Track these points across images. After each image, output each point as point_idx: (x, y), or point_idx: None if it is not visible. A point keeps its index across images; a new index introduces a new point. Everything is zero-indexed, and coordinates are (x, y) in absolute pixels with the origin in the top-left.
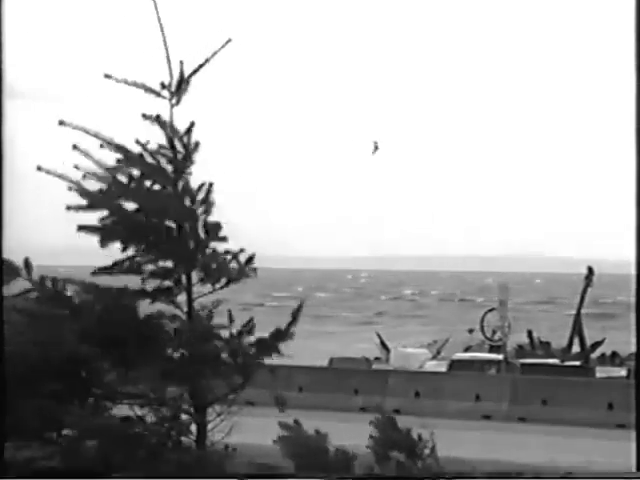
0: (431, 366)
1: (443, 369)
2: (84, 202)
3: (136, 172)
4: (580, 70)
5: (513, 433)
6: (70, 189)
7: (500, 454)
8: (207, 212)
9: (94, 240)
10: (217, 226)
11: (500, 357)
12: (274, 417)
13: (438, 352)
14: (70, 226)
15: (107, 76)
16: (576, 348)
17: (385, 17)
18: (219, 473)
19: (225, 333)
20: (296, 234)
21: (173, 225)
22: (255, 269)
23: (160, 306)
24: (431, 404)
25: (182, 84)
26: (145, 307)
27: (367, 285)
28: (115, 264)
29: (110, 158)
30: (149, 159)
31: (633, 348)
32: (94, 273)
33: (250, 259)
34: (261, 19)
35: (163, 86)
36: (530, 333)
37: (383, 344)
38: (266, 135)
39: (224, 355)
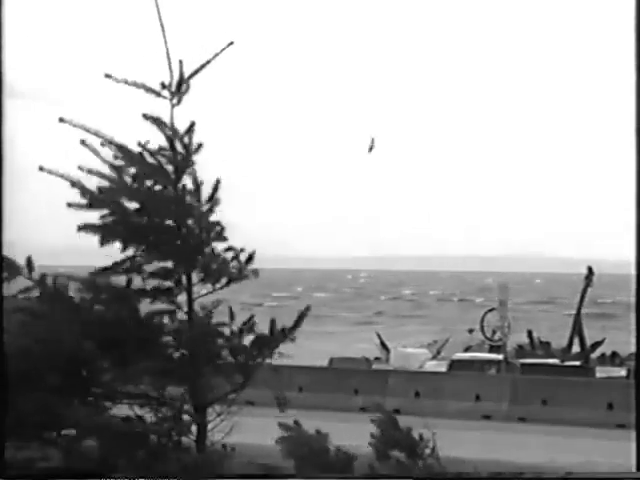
0: (431, 366)
1: (443, 369)
2: (85, 201)
3: (137, 172)
4: (580, 70)
5: (513, 433)
6: (73, 185)
7: (500, 454)
8: (212, 210)
9: (94, 240)
10: (218, 225)
11: (500, 357)
12: (274, 417)
13: (438, 352)
14: (70, 226)
15: (107, 76)
16: (576, 348)
17: (384, 16)
18: (219, 473)
19: (226, 331)
20: (296, 234)
21: (173, 225)
22: (257, 271)
23: (160, 306)
24: (431, 404)
25: (182, 84)
26: (145, 307)
27: (367, 285)
28: (115, 264)
29: (110, 157)
30: (149, 159)
31: (633, 348)
32: (94, 274)
33: (250, 258)
34: (260, 19)
35: (164, 86)
36: (530, 333)
37: (383, 344)
38: (266, 135)
39: (225, 353)
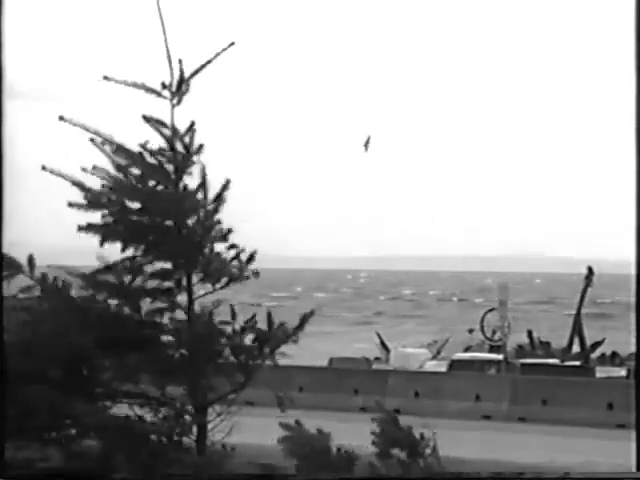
0: (431, 366)
1: (443, 369)
2: (85, 201)
3: (137, 171)
4: (580, 70)
5: (513, 433)
6: (74, 184)
7: (500, 454)
8: (216, 210)
9: (94, 240)
10: (219, 224)
11: (500, 357)
12: (274, 417)
13: (438, 352)
14: (70, 226)
15: (106, 78)
16: (576, 348)
17: (384, 16)
18: (219, 473)
19: (228, 330)
20: (296, 234)
21: (174, 225)
22: (257, 272)
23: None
24: (431, 404)
25: (183, 84)
26: (145, 307)
27: (367, 285)
28: (115, 264)
29: (114, 157)
30: (150, 159)
31: (632, 348)
32: (93, 274)
33: (251, 257)
34: (259, 20)
35: (164, 86)
36: (530, 333)
37: (383, 344)
38: (266, 135)
39: (226, 353)
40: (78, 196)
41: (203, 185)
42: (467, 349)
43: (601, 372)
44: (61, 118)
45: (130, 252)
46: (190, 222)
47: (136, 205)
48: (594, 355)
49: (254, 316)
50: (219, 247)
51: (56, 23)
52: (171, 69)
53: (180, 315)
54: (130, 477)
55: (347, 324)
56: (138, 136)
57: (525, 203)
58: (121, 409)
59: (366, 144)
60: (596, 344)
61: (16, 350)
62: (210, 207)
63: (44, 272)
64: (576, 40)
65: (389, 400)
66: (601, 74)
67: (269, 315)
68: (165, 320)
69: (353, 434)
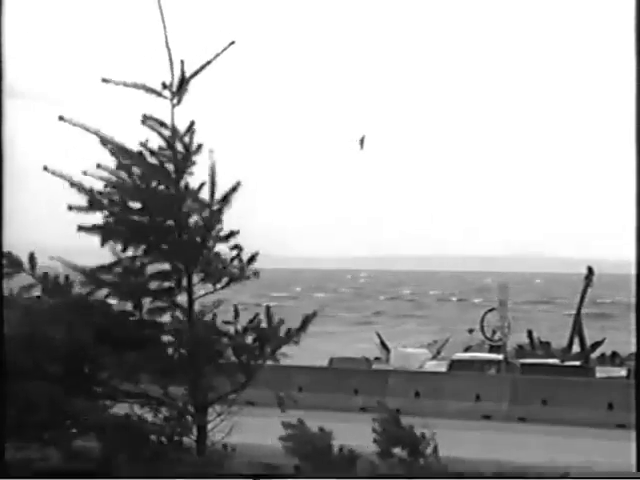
0: (431, 366)
1: (443, 369)
2: (85, 203)
3: (138, 171)
4: (580, 70)
5: (513, 433)
6: (72, 185)
7: (500, 454)
8: (221, 211)
9: (94, 240)
10: (219, 224)
11: (500, 357)
12: (274, 417)
13: (438, 352)
14: (70, 226)
15: (104, 80)
16: (576, 348)
17: (384, 16)
18: (219, 473)
19: (230, 329)
20: (296, 234)
21: (174, 225)
22: (257, 272)
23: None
24: (431, 404)
25: (183, 84)
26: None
27: (366, 285)
28: (114, 263)
29: (110, 158)
30: (150, 158)
31: (632, 348)
32: (95, 270)
33: (252, 258)
34: (258, 20)
35: (164, 86)
36: (530, 333)
37: (383, 344)
38: (266, 135)
39: (228, 353)
40: (78, 196)
41: (212, 185)
42: (467, 349)
43: (601, 372)
44: (61, 118)
45: (130, 252)
46: (192, 222)
47: (137, 205)
48: (594, 355)
49: (257, 316)
50: (220, 247)
51: (56, 23)
52: (172, 70)
53: (180, 315)
54: (130, 476)
55: (347, 324)
56: (138, 136)
57: (525, 203)
58: (121, 409)
59: (361, 141)
60: (596, 344)
61: (17, 347)
62: (215, 208)
63: (45, 271)
64: (576, 40)
65: (389, 400)
66: (601, 75)
67: (268, 309)
68: (165, 319)
69: (353, 434)
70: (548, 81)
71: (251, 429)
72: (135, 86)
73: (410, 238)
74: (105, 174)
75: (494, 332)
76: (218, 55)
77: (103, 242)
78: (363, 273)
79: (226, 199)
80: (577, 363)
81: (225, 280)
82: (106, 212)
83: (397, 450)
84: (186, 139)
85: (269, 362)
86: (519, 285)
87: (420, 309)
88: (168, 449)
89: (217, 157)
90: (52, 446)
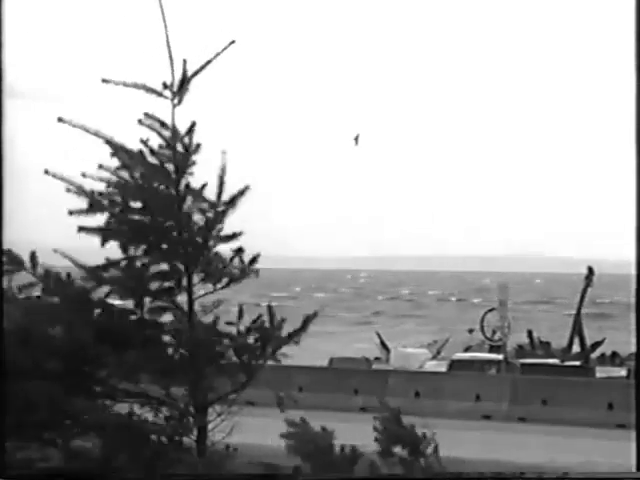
0: (431, 366)
1: (443, 369)
2: (86, 205)
3: (138, 172)
4: (580, 70)
5: (513, 433)
6: (69, 190)
7: (500, 454)
8: (225, 213)
9: (94, 240)
10: (220, 224)
11: (500, 357)
12: (275, 417)
13: (438, 352)
14: (70, 226)
15: (104, 81)
16: (576, 348)
17: (385, 17)
18: (220, 473)
19: (232, 330)
20: (296, 234)
21: (175, 225)
22: (257, 270)
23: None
24: (431, 404)
25: (185, 83)
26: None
27: (366, 285)
28: (113, 263)
29: (109, 157)
30: (150, 158)
31: (632, 348)
32: (97, 268)
33: (254, 259)
34: (256, 20)
35: (165, 86)
36: (530, 333)
37: (383, 344)
38: (266, 134)
39: (229, 353)
40: (79, 197)
41: (220, 186)
42: (467, 349)
43: (601, 372)
44: (60, 120)
45: (131, 252)
46: (194, 221)
47: (137, 205)
48: (594, 355)
49: (260, 317)
50: (220, 247)
51: (57, 23)
52: (172, 69)
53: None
54: (130, 477)
55: (347, 324)
56: (139, 136)
57: (525, 203)
58: (121, 409)
59: (356, 139)
60: (596, 344)
61: (15, 345)
62: (221, 209)
63: (47, 269)
64: (576, 40)
65: (389, 400)
66: (601, 74)
67: (270, 308)
68: (165, 319)
69: (353, 434)
70: (548, 81)
71: (251, 429)
72: (135, 86)
73: (410, 238)
74: (106, 175)
75: (494, 332)
76: (219, 54)
77: (103, 242)
78: (363, 273)
79: (233, 201)
80: (577, 363)
81: (225, 280)
82: (107, 213)
83: (397, 449)
84: (186, 139)
85: (270, 362)
86: (519, 285)
87: (419, 309)
88: (168, 449)
89: (217, 157)
90: (52, 446)
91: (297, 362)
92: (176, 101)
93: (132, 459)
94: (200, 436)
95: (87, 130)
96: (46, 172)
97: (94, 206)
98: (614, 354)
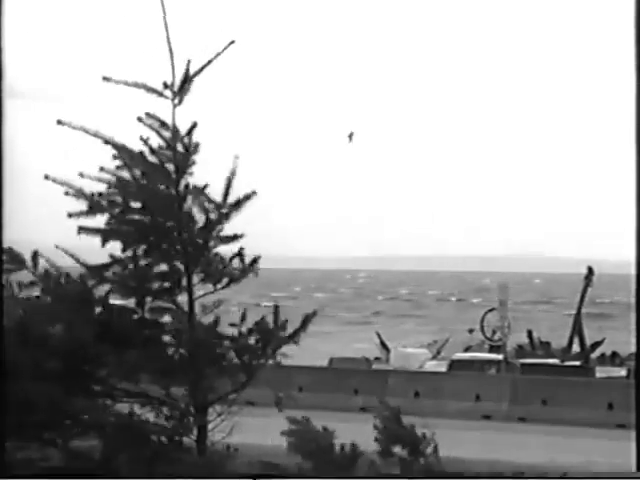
0: (431, 366)
1: (443, 369)
2: (86, 207)
3: (138, 172)
4: (580, 70)
5: (513, 433)
6: (67, 194)
7: (500, 454)
8: (228, 216)
9: (95, 240)
10: (220, 224)
11: (500, 357)
12: (275, 417)
13: (438, 352)
14: (70, 226)
15: (105, 79)
16: (576, 348)
17: (384, 17)
18: (220, 473)
19: (233, 332)
20: (296, 234)
21: (175, 225)
22: (257, 269)
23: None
24: (431, 404)
25: (186, 83)
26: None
27: (366, 285)
28: (118, 260)
29: (110, 157)
30: (150, 157)
31: (632, 348)
32: (99, 266)
33: (254, 261)
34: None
35: (166, 86)
36: (530, 333)
37: (383, 344)
38: (266, 134)
39: (230, 354)
40: (80, 200)
41: (227, 188)
42: (467, 349)
43: (601, 372)
44: (59, 122)
45: (131, 252)
46: (195, 221)
47: (138, 205)
48: (594, 355)
49: (263, 318)
50: (220, 249)
51: (57, 23)
52: (173, 69)
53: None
54: (131, 477)
55: (346, 324)
56: (139, 136)
57: (525, 203)
58: (122, 409)
59: (350, 136)
60: (596, 344)
61: (15, 344)
62: (225, 211)
63: (46, 269)
64: (576, 40)
65: (389, 400)
66: (601, 75)
67: (276, 308)
68: (166, 319)
69: (353, 434)
70: (548, 81)
71: (251, 429)
72: (136, 85)
73: (410, 238)
74: (106, 175)
75: (494, 332)
76: (219, 54)
77: (104, 243)
78: (363, 273)
79: (238, 204)
80: (577, 363)
81: (225, 280)
82: (107, 214)
83: (397, 449)
84: (186, 139)
85: (270, 362)
86: (519, 285)
87: (419, 309)
88: (169, 449)
89: (217, 157)
90: (52, 446)
91: (297, 362)
92: (177, 101)
93: (132, 459)
94: (200, 436)
95: (87, 131)
96: (46, 177)
97: (93, 208)
98: (614, 354)
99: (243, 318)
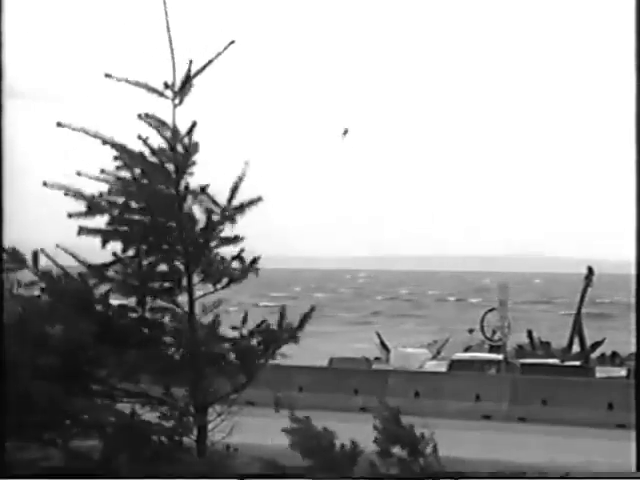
0: (431, 366)
1: (443, 369)
2: (85, 208)
3: (138, 171)
4: (581, 70)
5: (513, 433)
6: (67, 194)
7: (500, 454)
8: (232, 218)
9: (95, 240)
10: (221, 225)
11: (500, 357)
12: (274, 417)
13: (438, 352)
14: (71, 226)
15: (107, 75)
16: (576, 348)
17: (384, 17)
18: (220, 473)
19: (234, 333)
20: (296, 234)
21: (175, 225)
22: (257, 269)
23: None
24: (431, 404)
25: (187, 84)
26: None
27: (366, 285)
28: (120, 259)
29: (110, 158)
30: (150, 157)
31: (632, 348)
32: (100, 266)
33: (254, 261)
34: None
35: (166, 86)
36: (530, 333)
37: (383, 344)
38: (266, 134)
39: (230, 355)
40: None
41: (232, 192)
42: (467, 349)
43: (601, 372)
44: (59, 124)
45: (131, 252)
46: (196, 222)
47: (138, 205)
48: (594, 355)
49: (264, 321)
50: (220, 249)
51: (57, 23)
52: (174, 69)
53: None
54: (131, 477)
55: (346, 324)
56: (139, 135)
57: (525, 203)
58: (122, 409)
59: (344, 132)
60: (596, 344)
61: (15, 342)
62: (228, 213)
63: (47, 270)
64: (577, 40)
65: (389, 400)
66: (601, 75)
67: (283, 309)
68: (166, 319)
69: (353, 434)
70: (549, 81)
71: (251, 429)
72: (137, 84)
73: (410, 238)
74: (106, 175)
75: (494, 332)
76: (220, 54)
77: (104, 243)
78: (362, 273)
79: (242, 208)
80: (577, 363)
81: (225, 280)
82: (107, 215)
83: (397, 449)
84: (186, 140)
85: (270, 362)
86: (519, 285)
87: (419, 309)
88: (169, 449)
89: (216, 157)
90: (52, 446)
91: (297, 362)
92: (177, 101)
93: (132, 459)
94: (200, 436)
95: (87, 132)
96: (44, 184)
97: (93, 209)
98: (614, 354)
99: (244, 321)
